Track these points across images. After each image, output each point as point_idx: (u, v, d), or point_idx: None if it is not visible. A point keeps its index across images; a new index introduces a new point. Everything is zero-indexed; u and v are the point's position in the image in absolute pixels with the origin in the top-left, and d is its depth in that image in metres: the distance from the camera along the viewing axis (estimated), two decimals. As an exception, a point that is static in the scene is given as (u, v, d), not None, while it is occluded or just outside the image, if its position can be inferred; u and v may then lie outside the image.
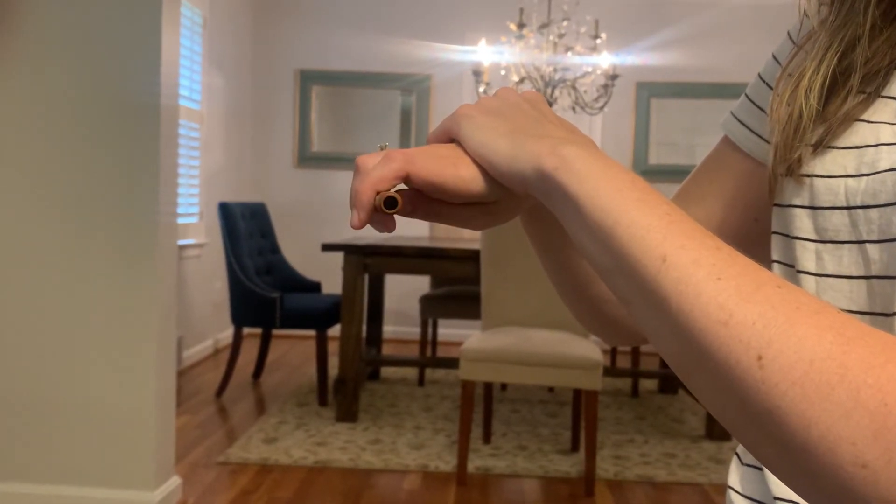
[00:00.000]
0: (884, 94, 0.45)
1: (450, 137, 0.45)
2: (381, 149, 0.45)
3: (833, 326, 0.30)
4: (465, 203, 0.46)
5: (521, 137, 0.42)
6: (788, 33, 0.55)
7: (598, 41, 4.00)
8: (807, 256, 0.47)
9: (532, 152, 0.40)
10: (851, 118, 0.45)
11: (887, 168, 0.42)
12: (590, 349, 2.72)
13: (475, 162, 0.43)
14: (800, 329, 0.30)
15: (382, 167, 0.42)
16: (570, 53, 4.05)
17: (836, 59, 0.46)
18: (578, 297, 0.61)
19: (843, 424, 0.28)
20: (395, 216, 0.44)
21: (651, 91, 5.42)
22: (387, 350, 5.18)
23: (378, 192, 0.42)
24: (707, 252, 0.34)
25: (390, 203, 0.42)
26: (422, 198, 0.45)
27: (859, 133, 0.44)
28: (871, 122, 0.44)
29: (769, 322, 0.31)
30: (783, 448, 0.30)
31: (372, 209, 0.43)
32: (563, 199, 0.39)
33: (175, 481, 2.45)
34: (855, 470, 0.28)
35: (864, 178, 0.43)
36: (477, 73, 4.01)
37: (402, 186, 0.44)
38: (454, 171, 0.43)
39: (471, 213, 0.47)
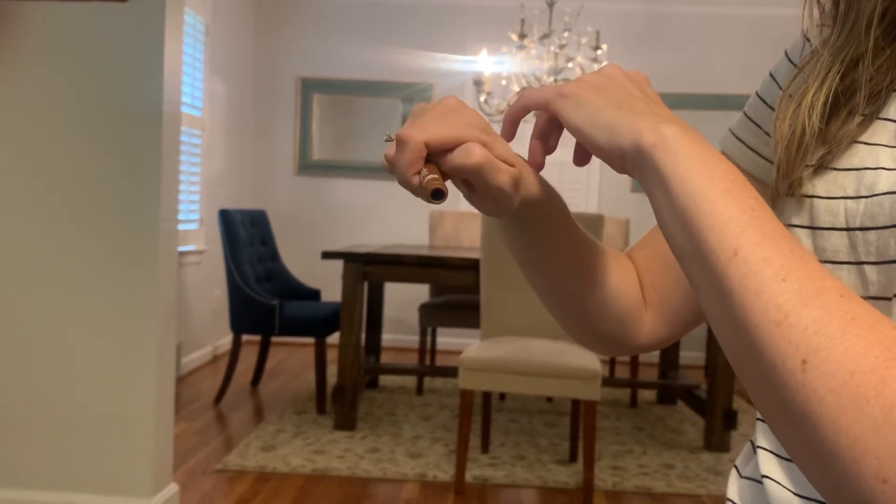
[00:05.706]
0: (882, 116, 0.45)
1: (547, 110, 0.48)
2: (389, 139, 0.47)
3: (883, 342, 0.30)
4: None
5: (624, 113, 0.43)
6: (786, 53, 0.56)
7: (599, 52, 4.02)
8: None
9: (633, 127, 0.41)
10: (851, 139, 0.45)
11: (885, 191, 0.42)
12: (589, 359, 2.72)
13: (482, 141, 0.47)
14: (849, 339, 0.31)
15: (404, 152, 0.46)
16: (570, 64, 4.06)
17: (838, 77, 0.47)
18: (561, 309, 0.62)
19: (870, 437, 0.29)
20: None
21: (651, 102, 5.42)
22: (385, 358, 5.17)
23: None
24: (779, 253, 0.34)
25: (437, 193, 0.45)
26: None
27: (859, 155, 0.45)
28: (870, 145, 0.45)
29: (821, 328, 0.31)
30: (813, 451, 0.31)
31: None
32: (655, 177, 0.40)
33: (172, 488, 2.44)
34: (875, 484, 0.29)
35: (863, 200, 0.43)
36: (478, 83, 4.02)
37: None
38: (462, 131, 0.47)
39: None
